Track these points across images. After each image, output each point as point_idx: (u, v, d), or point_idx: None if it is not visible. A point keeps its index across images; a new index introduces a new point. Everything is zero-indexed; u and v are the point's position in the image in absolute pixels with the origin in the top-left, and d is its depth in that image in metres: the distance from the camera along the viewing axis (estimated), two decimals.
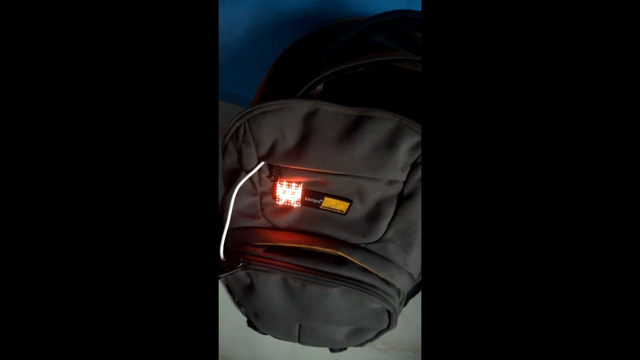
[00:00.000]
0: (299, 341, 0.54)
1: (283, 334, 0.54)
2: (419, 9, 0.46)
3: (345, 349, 0.60)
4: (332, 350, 0.60)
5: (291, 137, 0.42)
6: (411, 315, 0.65)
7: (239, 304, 0.61)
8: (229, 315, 0.65)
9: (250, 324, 0.61)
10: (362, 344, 0.55)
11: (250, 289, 0.46)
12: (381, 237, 0.43)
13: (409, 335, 0.66)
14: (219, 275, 0.45)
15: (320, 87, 0.42)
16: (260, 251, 0.44)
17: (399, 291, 0.46)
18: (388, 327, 0.48)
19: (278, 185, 0.44)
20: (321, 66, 0.42)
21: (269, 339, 0.62)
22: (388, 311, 0.45)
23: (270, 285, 0.44)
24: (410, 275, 0.45)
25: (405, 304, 0.57)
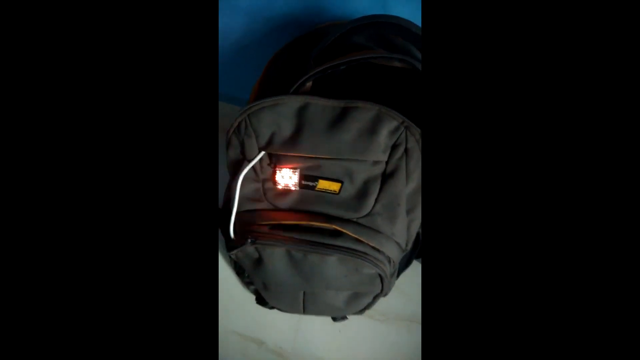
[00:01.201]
0: (304, 311, 0.61)
1: (289, 304, 0.61)
2: (393, 12, 0.53)
3: (346, 318, 0.67)
4: (334, 319, 0.67)
5: (287, 128, 0.48)
6: (405, 288, 0.71)
7: (247, 283, 0.67)
8: (239, 295, 0.72)
9: (259, 300, 0.67)
10: (361, 311, 0.62)
11: (259, 262, 0.52)
12: (370, 212, 0.50)
13: (405, 306, 0.72)
14: (231, 252, 0.52)
15: (309, 84, 0.49)
16: (265, 229, 0.50)
17: (389, 258, 0.52)
18: (381, 291, 0.55)
19: (277, 171, 0.51)
20: (309, 65, 0.48)
21: (276, 315, 0.68)
22: (380, 275, 0.52)
23: (276, 257, 0.51)
24: (398, 243, 0.52)
25: (397, 277, 0.63)
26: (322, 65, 0.47)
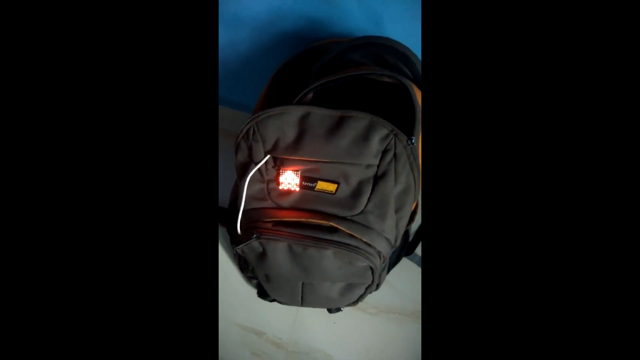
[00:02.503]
0: (302, 302, 0.66)
1: (289, 296, 0.66)
2: (386, 30, 0.59)
3: (341, 310, 0.72)
4: (329, 311, 0.72)
5: (290, 134, 0.54)
6: (395, 283, 0.76)
7: (249, 278, 0.73)
8: (242, 289, 0.77)
9: (260, 294, 0.72)
10: (354, 303, 0.67)
11: (262, 255, 0.58)
12: (363, 210, 0.55)
13: (394, 300, 0.77)
14: (237, 247, 0.57)
15: (310, 95, 0.55)
16: (269, 225, 0.56)
17: (379, 253, 0.58)
18: (372, 283, 0.61)
19: (281, 173, 0.56)
20: (310, 80, 0.54)
21: (275, 308, 0.74)
22: (371, 268, 0.57)
23: (279, 250, 0.56)
24: (387, 239, 0.57)
25: (388, 272, 0.69)
26: (321, 79, 0.53)
